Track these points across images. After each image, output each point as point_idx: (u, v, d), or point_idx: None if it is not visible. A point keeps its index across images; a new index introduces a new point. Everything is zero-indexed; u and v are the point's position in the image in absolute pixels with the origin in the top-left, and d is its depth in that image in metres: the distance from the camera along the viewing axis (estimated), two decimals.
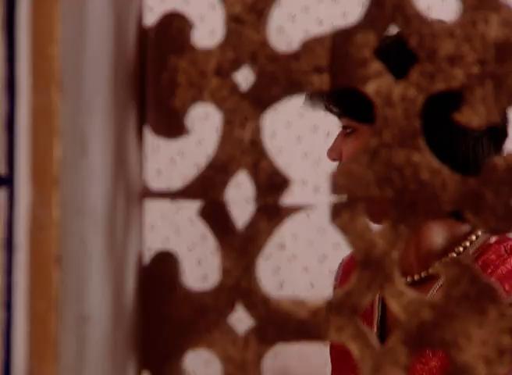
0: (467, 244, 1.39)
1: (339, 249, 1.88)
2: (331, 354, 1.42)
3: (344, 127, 1.30)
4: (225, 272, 0.66)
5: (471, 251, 1.38)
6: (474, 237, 1.39)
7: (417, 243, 1.36)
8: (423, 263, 1.35)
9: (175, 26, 0.66)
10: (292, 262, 2.21)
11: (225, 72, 0.65)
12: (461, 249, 1.37)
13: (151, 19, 0.68)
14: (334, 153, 1.27)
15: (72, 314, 0.57)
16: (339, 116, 1.31)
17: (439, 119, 1.10)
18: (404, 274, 1.34)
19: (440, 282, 1.35)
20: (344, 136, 1.29)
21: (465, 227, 1.36)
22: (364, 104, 1.35)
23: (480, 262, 1.37)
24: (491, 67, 0.62)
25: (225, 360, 0.66)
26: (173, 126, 0.67)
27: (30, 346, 0.55)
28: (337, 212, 0.64)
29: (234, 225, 0.66)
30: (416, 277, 1.35)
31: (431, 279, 1.36)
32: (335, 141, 1.28)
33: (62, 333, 0.56)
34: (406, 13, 0.63)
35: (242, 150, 0.65)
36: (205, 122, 2.04)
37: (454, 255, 1.37)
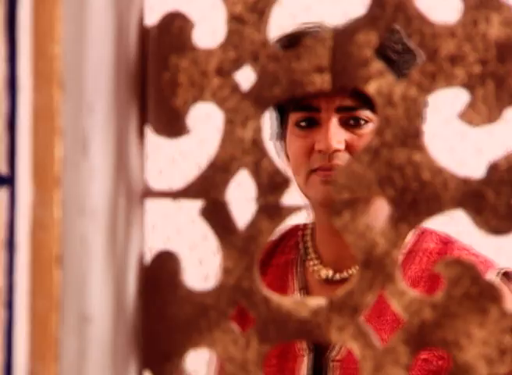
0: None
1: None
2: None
3: (354, 118, 1.24)
4: (227, 271, 0.66)
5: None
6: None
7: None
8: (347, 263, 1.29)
9: (176, 25, 0.66)
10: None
11: (226, 71, 0.65)
12: None
13: (152, 18, 0.68)
14: (341, 144, 1.19)
15: (73, 314, 0.57)
16: (356, 108, 1.25)
17: None
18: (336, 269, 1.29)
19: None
20: (345, 126, 1.24)
21: None
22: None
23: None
24: (492, 67, 0.62)
25: (227, 360, 0.66)
26: (174, 126, 0.67)
27: (31, 345, 0.55)
28: (338, 212, 0.64)
29: (235, 225, 0.66)
30: (337, 276, 1.29)
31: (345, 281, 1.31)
32: (333, 129, 1.18)
33: (63, 333, 0.56)
34: (407, 13, 0.63)
35: (243, 150, 0.65)
36: (207, 121, 2.03)
37: None
